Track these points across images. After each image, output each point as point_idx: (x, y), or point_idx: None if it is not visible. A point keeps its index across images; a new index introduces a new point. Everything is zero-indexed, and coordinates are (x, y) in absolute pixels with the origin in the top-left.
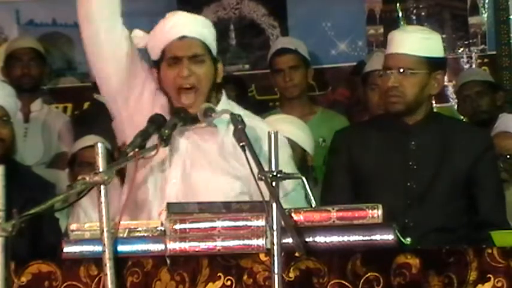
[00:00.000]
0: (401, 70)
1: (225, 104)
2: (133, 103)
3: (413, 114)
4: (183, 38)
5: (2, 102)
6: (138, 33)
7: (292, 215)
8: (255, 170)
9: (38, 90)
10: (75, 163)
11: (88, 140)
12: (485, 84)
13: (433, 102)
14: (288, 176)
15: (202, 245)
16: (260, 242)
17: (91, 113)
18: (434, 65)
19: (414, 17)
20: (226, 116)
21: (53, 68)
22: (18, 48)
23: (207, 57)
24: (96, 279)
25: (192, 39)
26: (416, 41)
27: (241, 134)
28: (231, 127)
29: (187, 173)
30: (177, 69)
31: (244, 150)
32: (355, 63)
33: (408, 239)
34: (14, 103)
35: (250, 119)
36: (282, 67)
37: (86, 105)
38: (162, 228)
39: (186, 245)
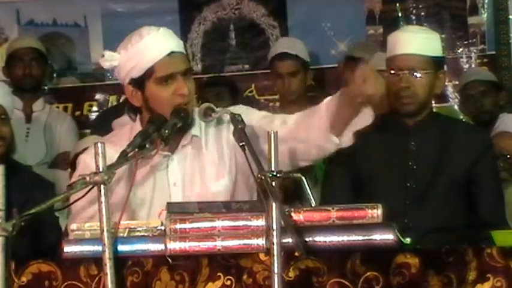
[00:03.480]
0: (413, 70)
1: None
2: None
3: (417, 114)
4: (171, 54)
5: (1, 101)
6: (109, 55)
7: (292, 214)
8: (255, 170)
9: (40, 90)
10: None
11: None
12: (489, 84)
13: (433, 102)
14: (288, 176)
15: (202, 245)
16: (260, 241)
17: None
18: (438, 64)
19: (414, 17)
20: (226, 116)
21: (55, 68)
22: (19, 48)
23: (191, 70)
24: (96, 278)
25: (180, 54)
26: (422, 41)
27: (241, 134)
28: (210, 130)
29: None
30: (172, 86)
31: (244, 150)
32: None
33: (408, 239)
34: (10, 101)
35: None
36: (282, 72)
37: (86, 105)
38: (162, 228)
39: (186, 245)
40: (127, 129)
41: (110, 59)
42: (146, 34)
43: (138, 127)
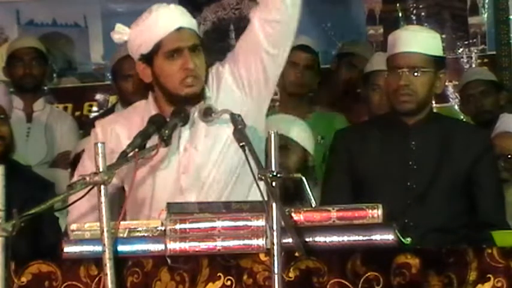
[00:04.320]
0: (413, 69)
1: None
2: None
3: (416, 114)
4: (180, 29)
5: None
6: (120, 28)
7: (292, 215)
8: (255, 170)
9: (40, 90)
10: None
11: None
12: (489, 83)
13: (433, 102)
14: (287, 176)
15: (202, 245)
16: (260, 242)
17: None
18: (439, 63)
19: (414, 17)
20: (226, 116)
21: (54, 68)
22: (19, 48)
23: (201, 47)
24: (96, 279)
25: (189, 30)
26: (423, 40)
27: (241, 134)
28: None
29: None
30: (180, 60)
31: (244, 150)
32: None
33: (408, 239)
34: (9, 100)
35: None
36: (298, 62)
37: (85, 105)
38: (162, 228)
39: (186, 245)
40: (141, 104)
41: (120, 32)
42: (156, 10)
43: (151, 104)
